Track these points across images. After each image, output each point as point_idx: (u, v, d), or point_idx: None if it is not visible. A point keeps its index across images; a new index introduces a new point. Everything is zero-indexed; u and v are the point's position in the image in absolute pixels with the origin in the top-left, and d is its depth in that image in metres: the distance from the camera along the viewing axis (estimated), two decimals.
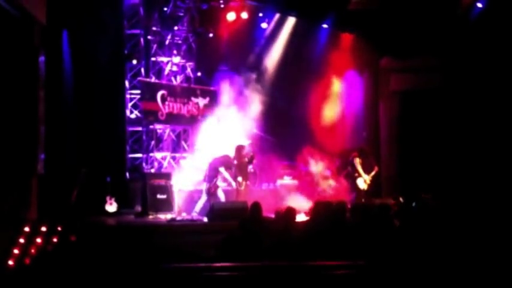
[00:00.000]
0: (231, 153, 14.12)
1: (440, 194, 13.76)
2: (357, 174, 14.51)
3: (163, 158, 15.89)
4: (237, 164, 14.02)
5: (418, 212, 9.96)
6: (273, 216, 9.13)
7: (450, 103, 16.98)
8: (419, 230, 8.13)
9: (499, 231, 8.19)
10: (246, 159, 14.19)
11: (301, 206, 11.98)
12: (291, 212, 8.41)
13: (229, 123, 15.75)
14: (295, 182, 15.91)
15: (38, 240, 8.92)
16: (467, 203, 12.21)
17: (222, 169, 13.61)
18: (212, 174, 13.63)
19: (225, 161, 13.83)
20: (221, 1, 16.13)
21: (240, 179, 13.84)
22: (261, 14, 17.04)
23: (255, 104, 17.11)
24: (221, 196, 13.68)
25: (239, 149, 14.21)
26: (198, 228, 12.20)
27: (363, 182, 14.44)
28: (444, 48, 16.70)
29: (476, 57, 16.64)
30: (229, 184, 14.00)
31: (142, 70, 15.85)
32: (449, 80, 17.12)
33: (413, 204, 10.60)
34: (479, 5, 16.19)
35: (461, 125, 16.80)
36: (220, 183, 13.87)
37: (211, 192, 13.52)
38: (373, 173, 14.59)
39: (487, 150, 16.28)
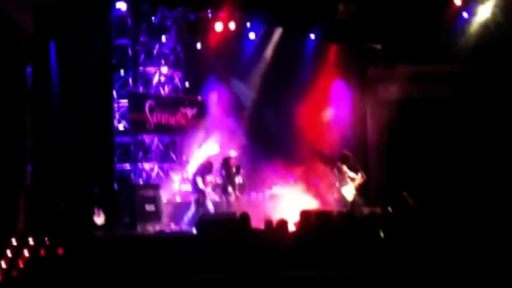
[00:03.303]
0: (217, 162, 14.12)
1: (428, 202, 13.75)
2: (343, 183, 14.40)
3: (152, 169, 15.83)
4: (226, 175, 14.03)
5: (403, 218, 9.97)
6: (262, 226, 9.10)
7: (438, 111, 17.05)
8: (405, 239, 8.15)
9: (488, 239, 8.22)
10: (234, 170, 14.17)
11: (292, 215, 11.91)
12: (283, 224, 8.40)
13: (217, 134, 15.72)
14: (285, 191, 15.85)
15: (25, 252, 8.86)
16: (455, 211, 12.20)
17: (198, 179, 13.56)
18: (196, 184, 13.62)
19: (201, 169, 13.79)
20: (209, 11, 16.15)
21: (230, 189, 13.85)
22: (248, 25, 17.04)
23: (243, 113, 17.13)
24: (210, 207, 13.63)
25: (226, 160, 14.22)
26: (186, 239, 12.13)
27: (349, 191, 14.34)
28: (432, 56, 16.79)
29: (464, 66, 16.78)
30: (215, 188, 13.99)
31: (130, 80, 15.82)
32: (437, 88, 17.22)
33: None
34: (465, 14, 16.34)
35: (451, 133, 16.88)
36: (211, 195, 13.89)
37: (200, 202, 13.47)
38: (357, 179, 14.38)
39: (475, 157, 16.39)
